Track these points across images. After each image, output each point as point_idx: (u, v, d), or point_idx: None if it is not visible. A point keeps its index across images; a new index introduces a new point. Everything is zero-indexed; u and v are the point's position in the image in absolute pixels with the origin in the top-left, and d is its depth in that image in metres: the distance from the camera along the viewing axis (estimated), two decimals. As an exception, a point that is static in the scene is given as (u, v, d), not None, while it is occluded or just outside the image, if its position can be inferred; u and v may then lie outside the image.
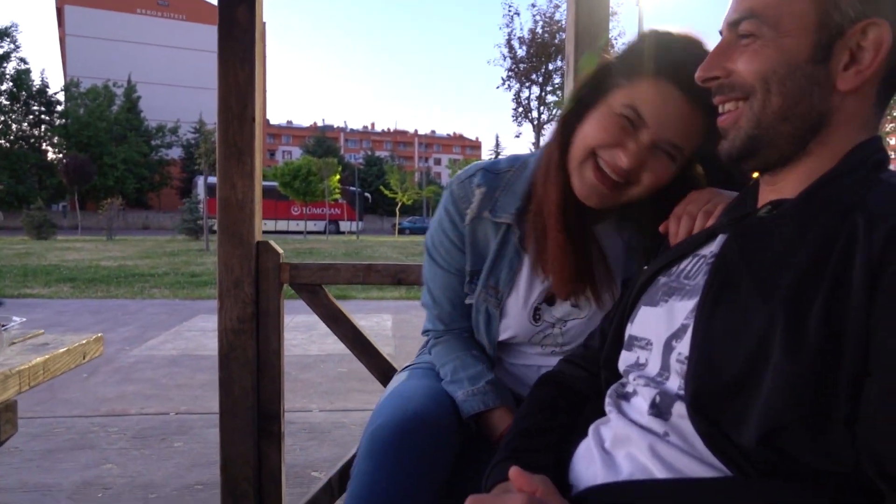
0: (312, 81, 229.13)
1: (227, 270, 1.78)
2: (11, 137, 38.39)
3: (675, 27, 1.00)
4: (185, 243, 20.31)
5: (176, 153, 46.65)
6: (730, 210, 0.85)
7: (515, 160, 1.24)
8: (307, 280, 1.84)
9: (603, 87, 1.02)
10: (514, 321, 1.20)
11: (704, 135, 0.97)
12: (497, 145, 62.83)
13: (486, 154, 74.15)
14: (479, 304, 1.22)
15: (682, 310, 0.76)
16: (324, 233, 29.42)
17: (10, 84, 37.96)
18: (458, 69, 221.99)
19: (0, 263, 11.99)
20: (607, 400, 0.81)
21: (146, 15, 54.50)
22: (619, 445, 0.75)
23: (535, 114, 23.28)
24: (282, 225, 33.34)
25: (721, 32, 0.79)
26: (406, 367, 1.38)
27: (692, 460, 0.67)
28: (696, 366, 0.68)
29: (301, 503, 1.81)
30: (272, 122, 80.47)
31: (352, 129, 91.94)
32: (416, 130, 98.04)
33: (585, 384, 0.94)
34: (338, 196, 31.22)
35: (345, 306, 1.94)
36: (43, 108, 40.16)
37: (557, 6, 23.85)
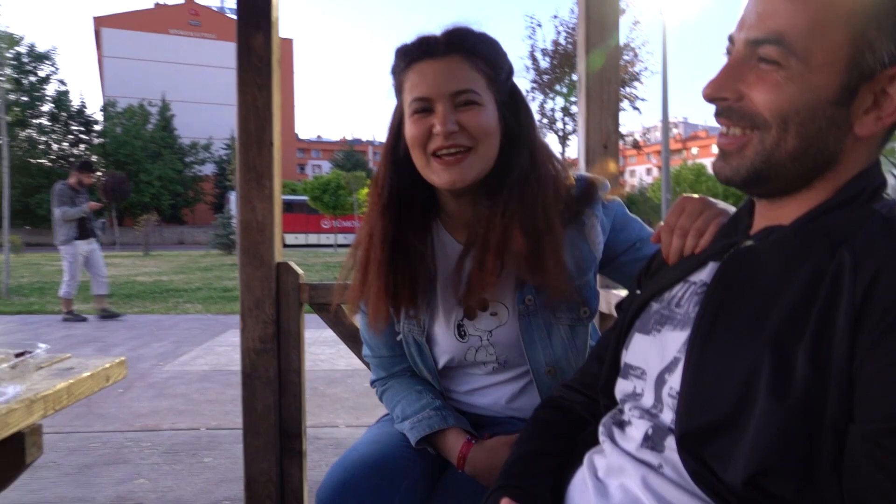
0: (341, 96, 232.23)
1: (249, 291, 1.82)
2: (52, 157, 39.66)
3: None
4: (218, 258, 20.69)
5: (209, 169, 47.60)
6: (723, 234, 0.83)
7: None
8: (326, 300, 1.88)
9: (399, 102, 1.17)
10: (444, 345, 1.23)
11: (484, 68, 1.10)
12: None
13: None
14: (406, 337, 1.25)
15: (674, 341, 0.76)
16: (353, 245, 29.71)
17: (51, 105, 39.25)
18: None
19: (43, 280, 12.37)
20: (601, 429, 0.81)
21: (179, 35, 55.93)
22: (612, 475, 0.75)
23: (559, 125, 23.17)
24: (313, 238, 33.77)
25: (730, 39, 0.73)
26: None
27: (685, 494, 0.68)
28: (687, 402, 0.68)
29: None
30: (302, 136, 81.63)
31: (380, 143, 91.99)
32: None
33: (585, 409, 0.94)
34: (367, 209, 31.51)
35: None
36: (82, 128, 41.41)
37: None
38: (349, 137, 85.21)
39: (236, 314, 1.87)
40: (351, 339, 1.89)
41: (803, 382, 0.59)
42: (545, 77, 22.14)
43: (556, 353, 1.19)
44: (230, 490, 2.69)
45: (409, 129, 1.12)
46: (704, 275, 0.79)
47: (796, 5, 0.66)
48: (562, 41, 21.59)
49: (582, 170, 1.85)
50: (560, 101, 22.28)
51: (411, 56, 1.11)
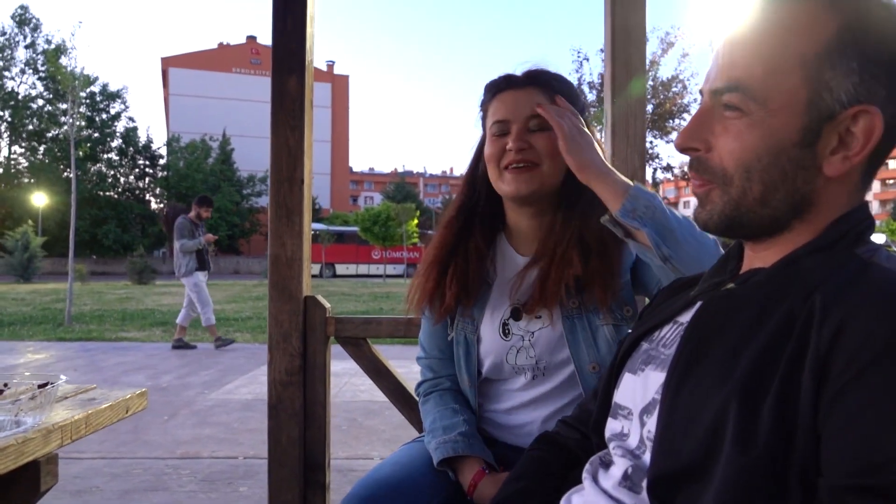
0: (393, 130, 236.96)
1: (277, 324, 1.87)
2: (119, 189, 41.70)
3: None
4: (271, 287, 21.17)
5: (264, 201, 49.14)
6: (711, 274, 0.82)
7: None
8: (351, 333, 1.91)
9: (483, 130, 1.35)
10: (489, 344, 1.30)
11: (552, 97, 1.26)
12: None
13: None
14: (457, 336, 1.35)
15: (654, 382, 0.75)
16: (402, 276, 29.96)
17: (120, 141, 41.40)
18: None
19: (103, 308, 12.91)
20: (587, 467, 0.81)
21: (240, 73, 58.52)
22: None
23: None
24: (363, 269, 34.24)
25: (701, 93, 0.75)
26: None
27: None
28: (660, 446, 0.67)
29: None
30: (355, 169, 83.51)
31: (431, 175, 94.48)
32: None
33: (580, 446, 0.94)
34: (416, 240, 31.87)
35: (390, 351, 1.98)
36: (147, 162, 43.48)
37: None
38: (400, 169, 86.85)
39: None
40: (374, 372, 1.91)
41: (768, 433, 0.57)
42: (592, 110, 22.21)
43: (601, 352, 1.24)
44: (262, 520, 2.72)
45: (488, 148, 1.29)
46: (689, 315, 0.78)
47: (752, 53, 0.68)
48: (609, 75, 21.70)
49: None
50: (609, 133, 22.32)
51: (496, 88, 1.31)
